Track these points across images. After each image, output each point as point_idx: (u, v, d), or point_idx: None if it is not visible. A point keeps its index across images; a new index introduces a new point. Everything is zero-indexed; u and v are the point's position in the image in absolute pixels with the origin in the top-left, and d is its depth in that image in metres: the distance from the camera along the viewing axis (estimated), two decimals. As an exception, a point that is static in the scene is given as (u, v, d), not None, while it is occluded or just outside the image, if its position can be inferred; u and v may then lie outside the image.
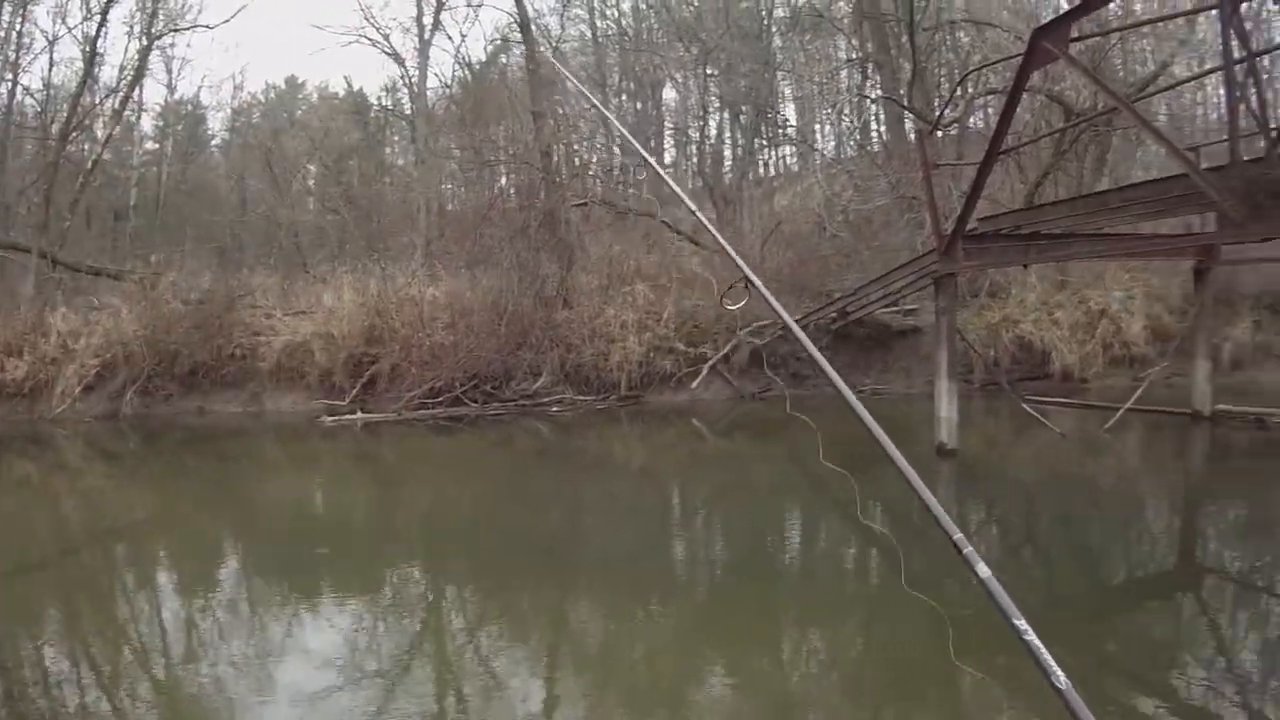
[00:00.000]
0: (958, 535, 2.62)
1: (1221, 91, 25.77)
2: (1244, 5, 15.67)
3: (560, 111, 40.90)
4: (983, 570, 2.40)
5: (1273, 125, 14.91)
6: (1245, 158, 13.89)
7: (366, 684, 8.49)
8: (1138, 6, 32.21)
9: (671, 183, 6.67)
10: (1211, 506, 16.20)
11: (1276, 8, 30.47)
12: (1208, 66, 26.15)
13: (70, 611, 11.62)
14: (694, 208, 6.05)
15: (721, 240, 5.69)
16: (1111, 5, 27.25)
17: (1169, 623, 10.31)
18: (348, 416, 26.86)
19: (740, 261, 4.83)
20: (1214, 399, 21.00)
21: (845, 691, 8.71)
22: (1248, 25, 29.61)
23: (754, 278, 4.50)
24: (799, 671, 9.23)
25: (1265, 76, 34.94)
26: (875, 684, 8.80)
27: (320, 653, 9.44)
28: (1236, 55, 14.13)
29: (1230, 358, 27.18)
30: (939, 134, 31.67)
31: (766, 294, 4.42)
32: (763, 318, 28.07)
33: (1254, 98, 14.85)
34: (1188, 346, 22.25)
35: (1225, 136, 14.82)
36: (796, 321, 17.51)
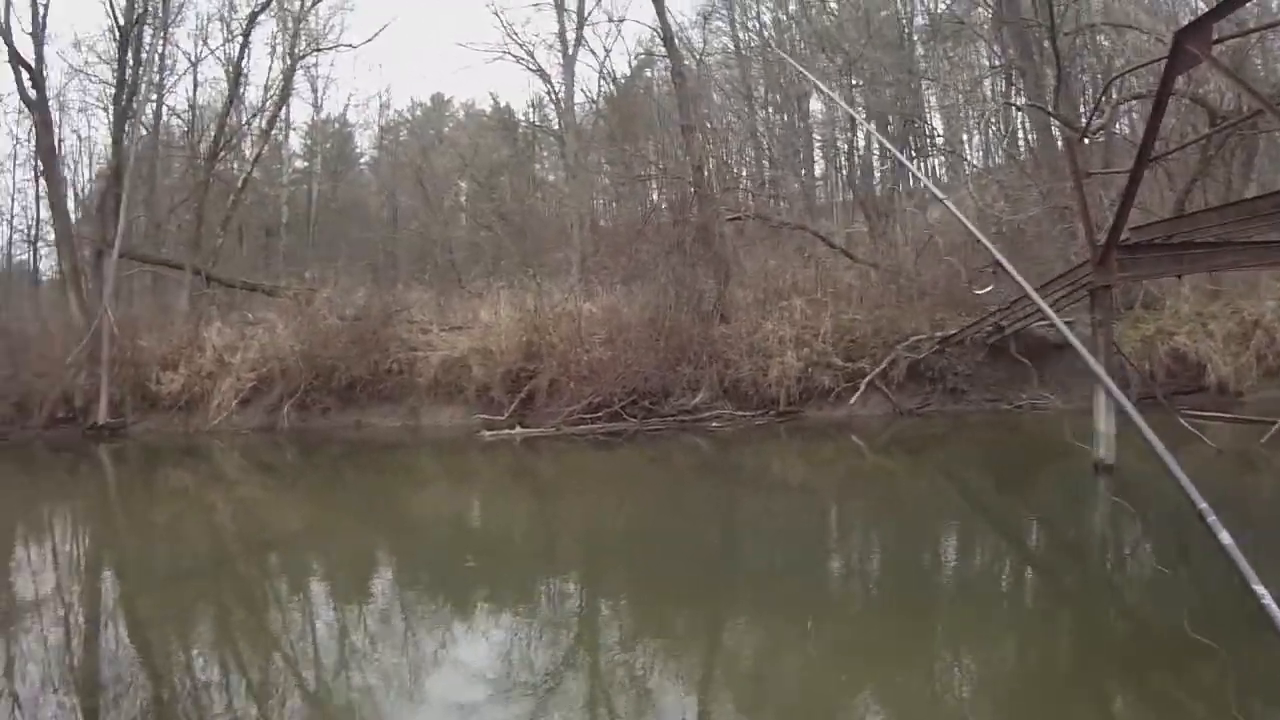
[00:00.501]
0: (1202, 504, 2.62)
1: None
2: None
3: (709, 125, 40.92)
4: (1225, 538, 2.39)
5: None
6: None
7: (518, 697, 8.52)
8: (1275, 4, 31.68)
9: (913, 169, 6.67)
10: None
11: None
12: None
13: (223, 620, 11.74)
14: (940, 195, 6.02)
15: (967, 223, 5.64)
16: (1249, 4, 26.86)
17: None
18: (506, 431, 26.92)
19: (990, 245, 4.75)
20: (1371, 410, 20.56)
21: (1000, 706, 8.64)
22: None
23: (1004, 261, 4.41)
24: (952, 691, 9.15)
25: None
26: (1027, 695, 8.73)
27: (473, 665, 9.53)
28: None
29: (1386, 367, 26.64)
30: (1087, 141, 31.35)
31: (1014, 273, 4.33)
32: (920, 332, 27.99)
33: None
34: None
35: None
36: (952, 335, 17.49)
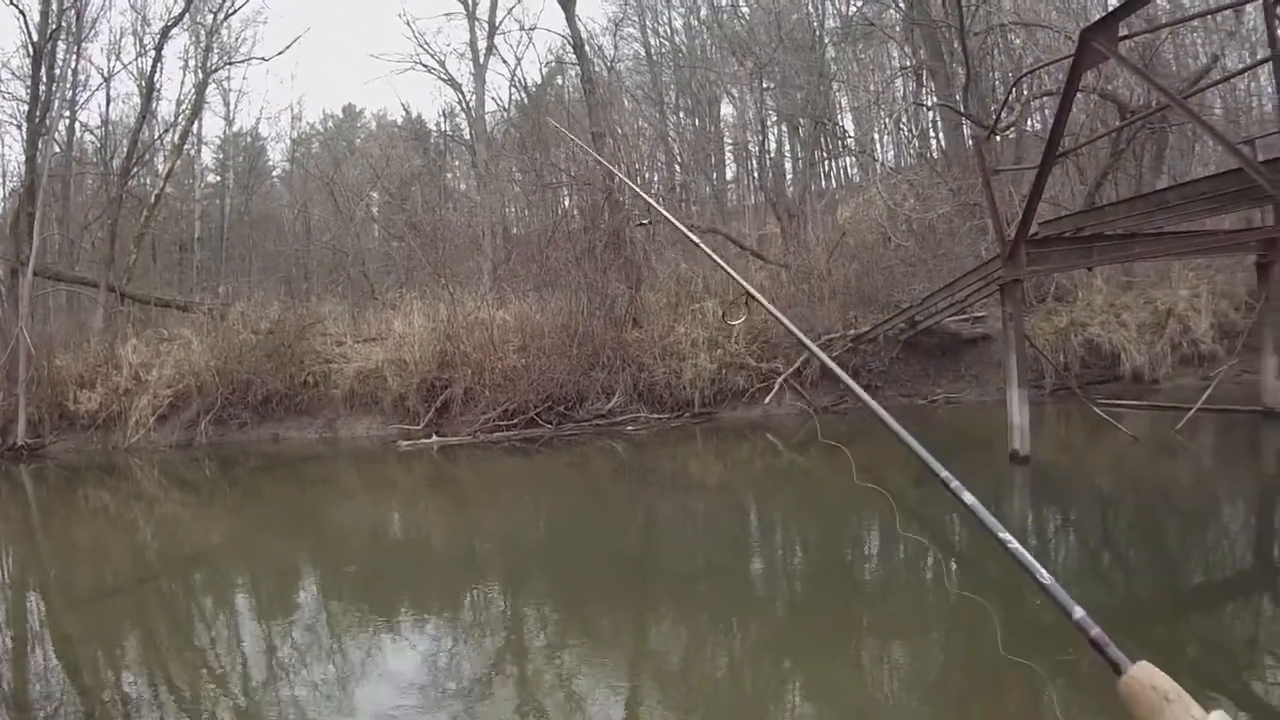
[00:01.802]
0: (944, 473, 2.71)
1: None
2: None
3: (619, 131, 41.04)
4: (968, 498, 2.48)
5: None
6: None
7: (446, 704, 8.56)
8: (1185, 0, 32.12)
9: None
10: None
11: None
12: (1259, 57, 26.00)
13: (149, 637, 11.73)
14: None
15: (714, 257, 5.70)
16: (1162, 1, 27.19)
17: (1249, 624, 10.28)
18: (423, 440, 26.94)
19: (738, 276, 4.82)
20: (1284, 395, 20.93)
21: (915, 697, 8.76)
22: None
23: (755, 293, 4.48)
24: (880, 686, 9.25)
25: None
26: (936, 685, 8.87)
27: (400, 674, 9.52)
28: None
29: (1301, 352, 27.11)
30: (997, 138, 31.66)
31: (769, 307, 4.42)
32: (833, 330, 28.18)
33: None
34: (1255, 342, 22.18)
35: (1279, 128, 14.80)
36: (865, 333, 17.77)
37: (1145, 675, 1.18)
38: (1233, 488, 17.51)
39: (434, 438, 27.15)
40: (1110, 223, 18.18)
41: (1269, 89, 26.29)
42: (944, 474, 2.51)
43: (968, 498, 2.29)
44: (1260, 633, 9.95)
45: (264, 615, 12.51)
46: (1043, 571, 1.81)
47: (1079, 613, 1.63)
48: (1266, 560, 12.77)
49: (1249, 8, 25.02)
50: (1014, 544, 1.99)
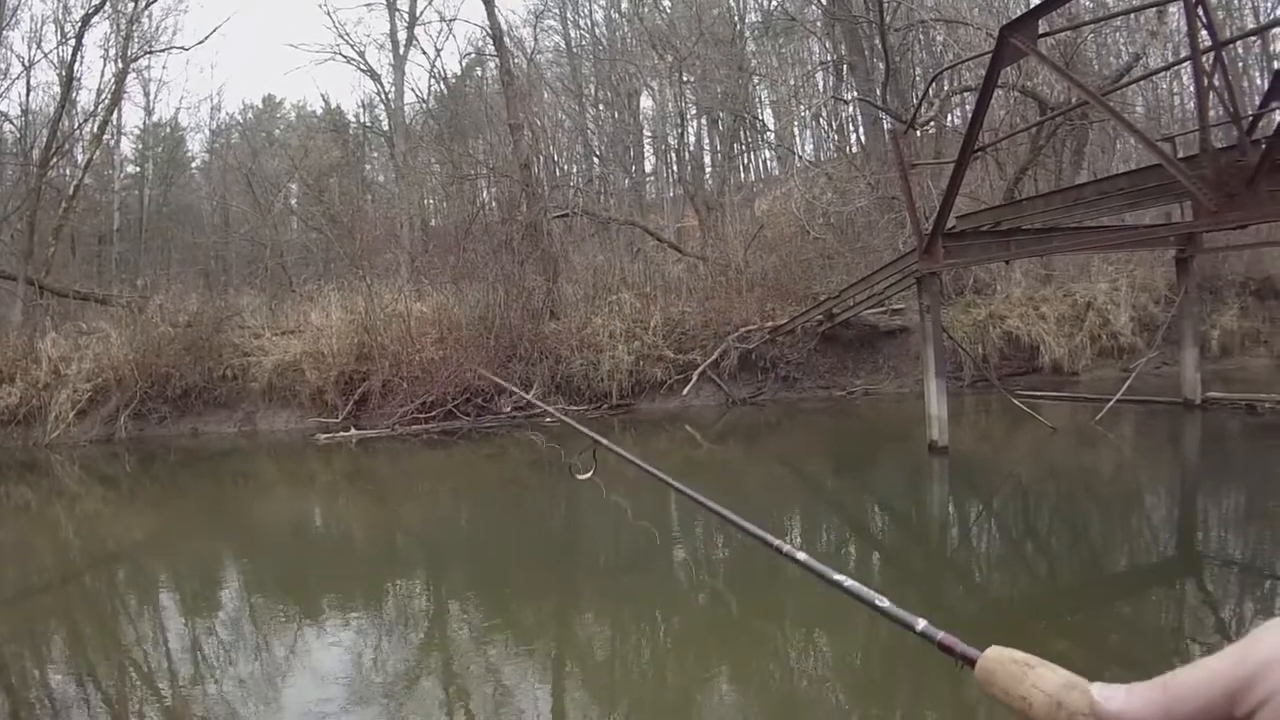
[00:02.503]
0: (775, 540, 2.76)
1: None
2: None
3: (538, 123, 41.00)
4: (801, 556, 2.52)
5: (1244, 114, 15.07)
6: (1219, 146, 14.03)
7: (372, 700, 8.55)
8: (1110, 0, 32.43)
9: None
10: (1206, 493, 16.39)
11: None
12: (1180, 56, 26.29)
13: (73, 636, 11.66)
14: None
15: (568, 422, 5.69)
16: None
17: (1172, 611, 10.42)
18: (341, 434, 26.84)
19: (586, 430, 4.84)
20: (1204, 386, 21.25)
21: (854, 684, 8.81)
22: (1219, 15, 29.79)
23: (603, 440, 4.51)
24: (805, 673, 9.31)
25: (1240, 65, 35.33)
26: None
27: (324, 670, 9.48)
28: (1204, 44, 14.28)
29: (1219, 345, 27.55)
30: (917, 133, 31.87)
31: (621, 451, 4.45)
32: (751, 322, 28.26)
33: (1223, 87, 14.97)
34: (1175, 335, 22.48)
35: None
36: (783, 325, 17.88)
37: (999, 654, 1.23)
38: (1151, 477, 17.80)
39: (352, 431, 27.10)
40: (1028, 217, 18.38)
41: (1191, 88, 26.65)
42: (775, 541, 2.55)
43: (801, 556, 2.32)
44: (1176, 617, 10.12)
45: (188, 612, 12.43)
46: (879, 597, 1.86)
47: (921, 624, 1.68)
48: (1183, 547, 12.95)
49: (1171, 8, 25.31)
50: (848, 582, 2.03)
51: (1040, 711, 1.14)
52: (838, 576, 2.20)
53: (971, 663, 1.37)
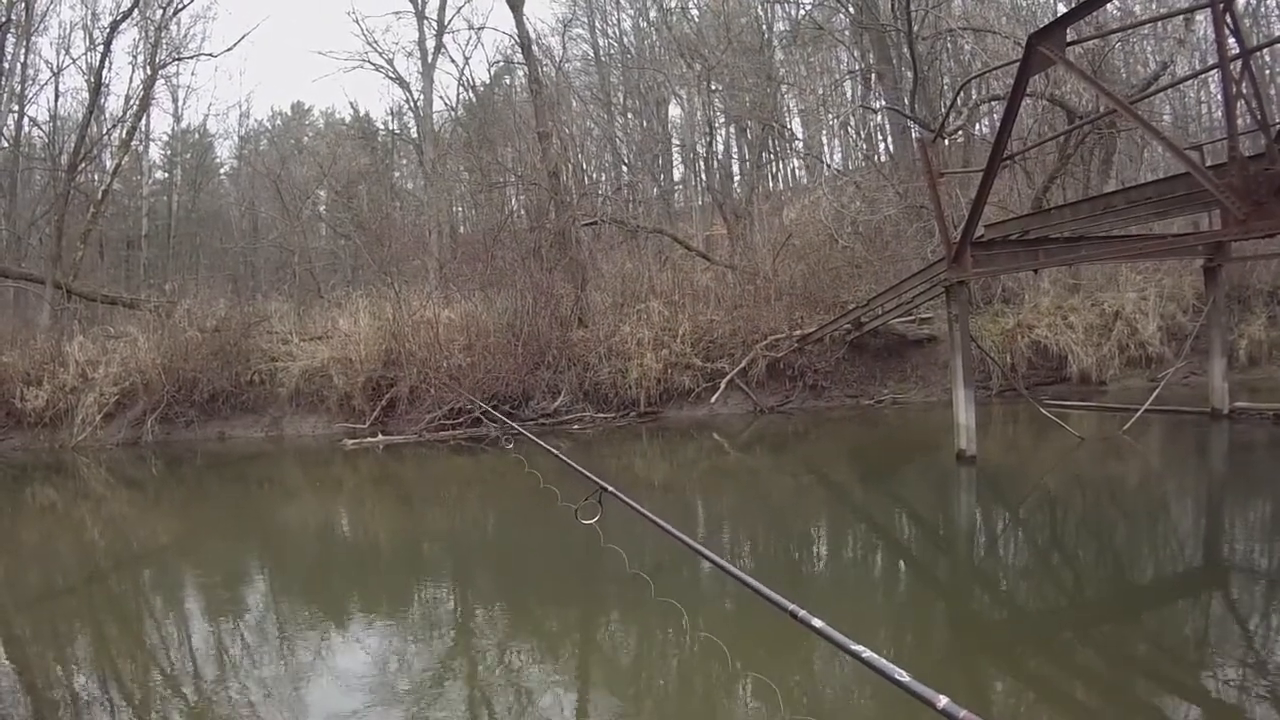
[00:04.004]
0: (790, 605, 2.70)
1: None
2: (1240, 2, 15.79)
3: (566, 131, 41.04)
4: (817, 623, 2.46)
5: (1272, 122, 15.00)
6: (1247, 154, 13.96)
7: (397, 705, 8.53)
8: (1137, 8, 32.35)
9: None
10: (1234, 504, 16.24)
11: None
12: (1208, 64, 26.21)
13: (98, 637, 11.66)
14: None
15: (573, 465, 5.62)
16: (1111, 8, 27.33)
17: (1198, 622, 10.31)
18: (368, 439, 26.84)
19: (593, 476, 4.79)
20: (1231, 396, 21.13)
21: (878, 695, 8.76)
22: (1246, 22, 29.66)
23: (609, 487, 4.45)
24: (831, 684, 9.24)
25: (1268, 73, 35.23)
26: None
27: (350, 673, 9.45)
28: (1232, 52, 14.21)
29: (1247, 354, 27.37)
30: (945, 142, 31.83)
31: (626, 499, 4.39)
32: (779, 331, 28.25)
33: (1251, 95, 14.90)
34: (1203, 345, 22.39)
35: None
36: (811, 333, 17.88)
37: None
38: (1178, 487, 17.67)
39: (379, 436, 27.12)
40: (1056, 226, 18.28)
41: (1219, 96, 26.57)
42: (791, 606, 2.49)
43: (816, 623, 2.27)
44: (1202, 629, 10.01)
45: (212, 615, 12.38)
46: (899, 671, 1.81)
47: (943, 701, 1.64)
48: (1210, 558, 12.83)
49: (1199, 16, 25.24)
50: (867, 653, 1.99)
51: None
52: (856, 647, 2.16)
53: None
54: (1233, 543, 13.88)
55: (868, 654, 1.87)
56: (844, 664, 9.07)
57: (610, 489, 4.01)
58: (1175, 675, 8.58)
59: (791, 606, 2.42)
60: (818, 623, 2.24)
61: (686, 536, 3.25)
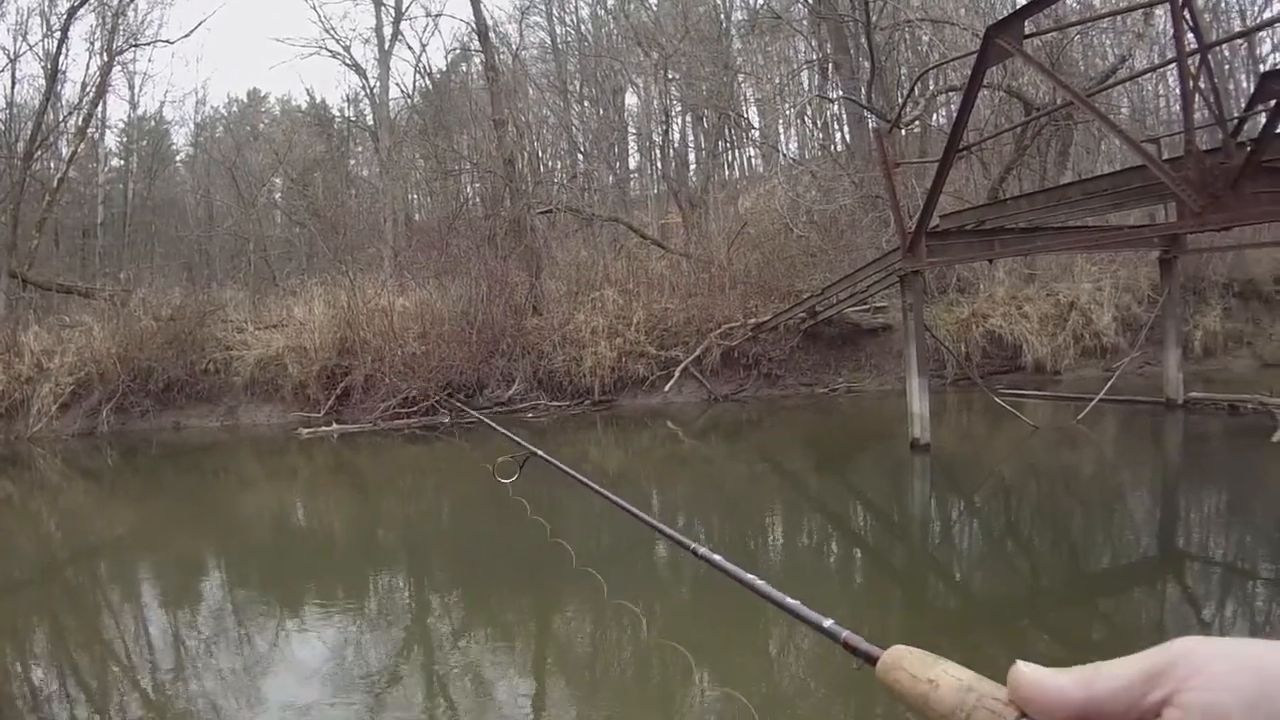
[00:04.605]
0: (692, 544, 2.73)
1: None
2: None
3: (522, 119, 41.04)
4: (717, 558, 2.49)
5: (1230, 117, 15.11)
6: (1204, 148, 14.06)
7: (355, 695, 8.53)
8: (1096, 1, 32.48)
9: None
10: (1188, 493, 16.43)
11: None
12: (1166, 58, 26.39)
13: (54, 629, 11.63)
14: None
15: (500, 430, 5.59)
16: (1070, 0, 27.50)
17: (1154, 609, 10.43)
18: (323, 428, 26.90)
19: (522, 441, 4.77)
20: (1186, 387, 21.29)
21: (843, 680, 8.81)
22: (1206, 17, 29.81)
23: (538, 451, 4.44)
24: (789, 670, 9.27)
25: (1226, 68, 35.49)
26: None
27: (307, 664, 9.46)
28: (1191, 47, 14.29)
29: (1201, 345, 27.62)
30: (902, 132, 31.97)
31: (552, 460, 4.38)
32: (734, 319, 28.32)
33: (1209, 89, 15.01)
34: (1158, 336, 22.55)
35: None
36: (765, 322, 17.94)
37: (903, 648, 1.21)
38: (1132, 476, 17.82)
39: (334, 425, 27.16)
40: (1012, 216, 18.39)
41: (1177, 90, 26.79)
42: (691, 544, 2.52)
43: (716, 558, 2.30)
44: (1157, 615, 10.13)
45: (171, 606, 12.38)
46: (787, 598, 1.85)
47: (828, 622, 1.68)
48: (1164, 546, 12.96)
49: (1158, 10, 25.37)
50: (759, 582, 2.03)
51: (947, 694, 1.12)
52: (749, 577, 2.20)
53: (873, 661, 1.37)
54: (1187, 531, 14.01)
55: (759, 583, 1.93)
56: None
57: (540, 453, 3.99)
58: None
59: (692, 545, 2.47)
60: (717, 558, 2.28)
61: (604, 490, 3.24)
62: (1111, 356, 26.88)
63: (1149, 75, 35.09)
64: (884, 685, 1.28)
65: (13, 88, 44.43)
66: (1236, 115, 16.72)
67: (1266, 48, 40.89)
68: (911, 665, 1.21)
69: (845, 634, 1.65)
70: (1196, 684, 0.86)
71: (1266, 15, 38.55)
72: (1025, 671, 1.00)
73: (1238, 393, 21.22)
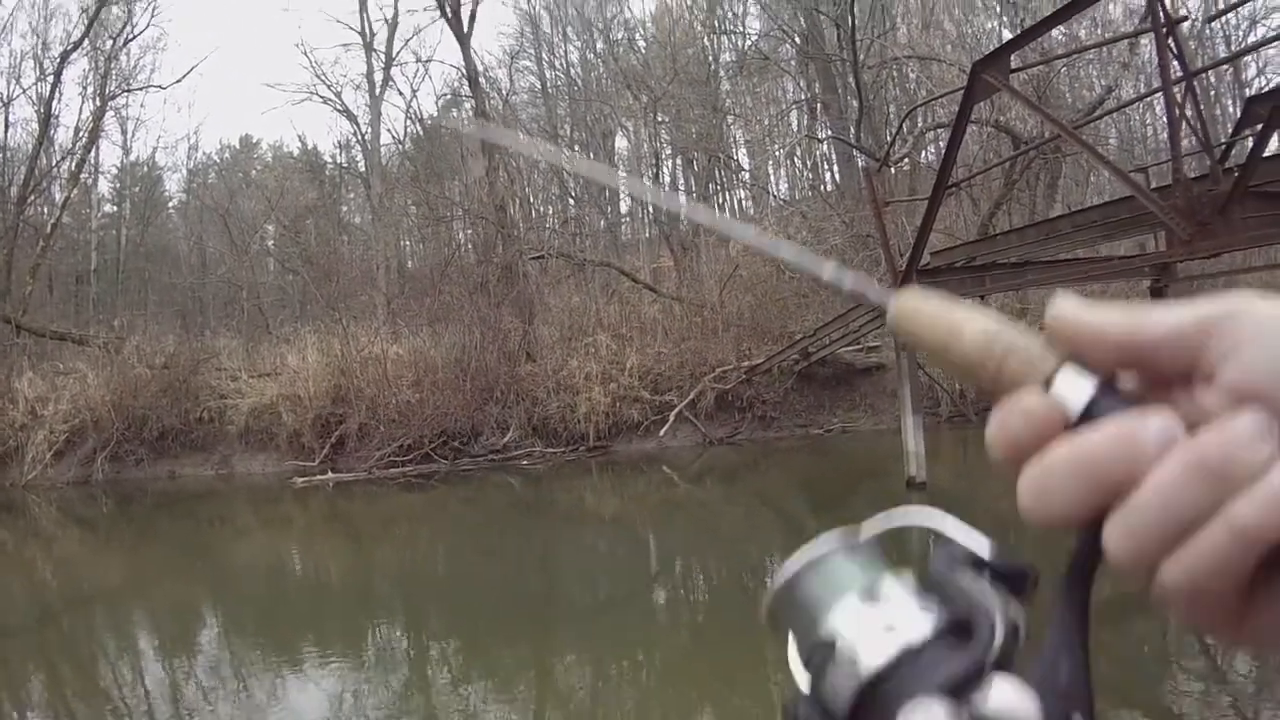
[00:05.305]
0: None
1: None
2: (1184, 26, 15.91)
3: (513, 164, 41.13)
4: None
5: (1217, 142, 15.18)
6: (1193, 175, 14.11)
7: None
8: (1082, 33, 32.59)
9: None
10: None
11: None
12: (1153, 87, 26.50)
13: (50, 678, 11.62)
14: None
15: None
16: (1055, 33, 27.59)
17: (1157, 641, 10.39)
18: (318, 477, 26.83)
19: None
20: (1182, 416, 21.29)
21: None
22: (1192, 45, 29.89)
23: None
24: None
25: (1212, 94, 35.61)
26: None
27: (303, 713, 9.46)
28: (1176, 75, 14.35)
29: (1199, 375, 27.61)
30: (891, 170, 32.08)
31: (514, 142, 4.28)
32: (727, 362, 28.35)
33: (1195, 117, 15.07)
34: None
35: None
36: (759, 364, 17.96)
37: (912, 296, 1.11)
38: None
39: (329, 474, 27.06)
40: (1003, 251, 18.41)
41: (1164, 118, 26.87)
42: (680, 202, 2.46)
43: (702, 214, 2.27)
44: (1160, 644, 10.10)
45: (166, 656, 12.39)
46: (782, 245, 1.77)
47: (829, 269, 1.62)
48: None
49: (1144, 39, 25.49)
50: (752, 234, 1.96)
51: (972, 340, 1.03)
52: (742, 228, 2.14)
53: (884, 312, 1.30)
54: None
55: (752, 234, 1.82)
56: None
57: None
58: (1138, 693, 8.65)
59: (680, 202, 2.43)
60: (703, 213, 2.26)
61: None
62: (1108, 387, 26.91)
63: (1136, 104, 35.23)
64: (899, 334, 1.23)
65: (5, 131, 44.48)
66: (1224, 141, 16.81)
67: (1252, 72, 40.95)
68: (930, 310, 1.12)
69: (849, 278, 1.58)
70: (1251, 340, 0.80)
71: (1251, 40, 38.69)
72: (1066, 306, 0.90)
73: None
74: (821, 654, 0.85)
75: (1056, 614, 0.85)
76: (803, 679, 0.87)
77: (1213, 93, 38.74)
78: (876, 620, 0.85)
